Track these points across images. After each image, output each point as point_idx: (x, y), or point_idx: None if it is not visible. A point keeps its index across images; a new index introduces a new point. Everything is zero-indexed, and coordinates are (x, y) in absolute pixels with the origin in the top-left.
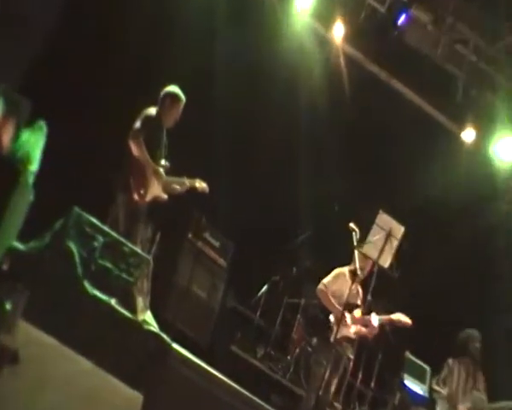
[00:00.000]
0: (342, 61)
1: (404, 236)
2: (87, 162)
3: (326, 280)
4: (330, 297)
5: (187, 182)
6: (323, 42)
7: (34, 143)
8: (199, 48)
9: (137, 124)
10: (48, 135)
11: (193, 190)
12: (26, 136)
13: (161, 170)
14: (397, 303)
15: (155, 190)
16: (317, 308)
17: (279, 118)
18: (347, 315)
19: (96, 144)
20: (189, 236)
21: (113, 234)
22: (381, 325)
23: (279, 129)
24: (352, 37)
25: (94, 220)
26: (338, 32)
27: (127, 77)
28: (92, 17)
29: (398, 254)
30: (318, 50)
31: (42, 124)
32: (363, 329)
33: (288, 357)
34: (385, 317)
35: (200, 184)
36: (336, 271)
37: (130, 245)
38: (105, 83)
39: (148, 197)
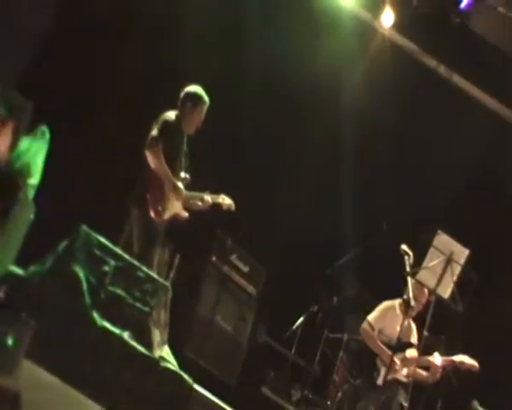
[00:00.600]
0: (391, 53)
1: (469, 260)
2: (97, 174)
3: (372, 316)
4: (376, 340)
5: (210, 198)
6: (370, 32)
7: (35, 151)
8: (225, 46)
9: (154, 131)
10: (51, 142)
11: (217, 206)
12: (26, 143)
13: (181, 184)
14: (461, 343)
15: (175, 207)
16: (361, 345)
17: (318, 126)
18: (397, 359)
19: (106, 153)
20: (213, 259)
21: (127, 257)
22: (442, 368)
23: (318, 139)
24: (404, 25)
25: (104, 241)
26: (387, 20)
27: (146, 78)
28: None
29: (462, 283)
30: (364, 42)
31: (44, 129)
32: (423, 372)
33: (328, 402)
34: (445, 358)
35: (226, 201)
36: (384, 304)
37: (145, 270)
38: (118, 84)
39: (167, 215)
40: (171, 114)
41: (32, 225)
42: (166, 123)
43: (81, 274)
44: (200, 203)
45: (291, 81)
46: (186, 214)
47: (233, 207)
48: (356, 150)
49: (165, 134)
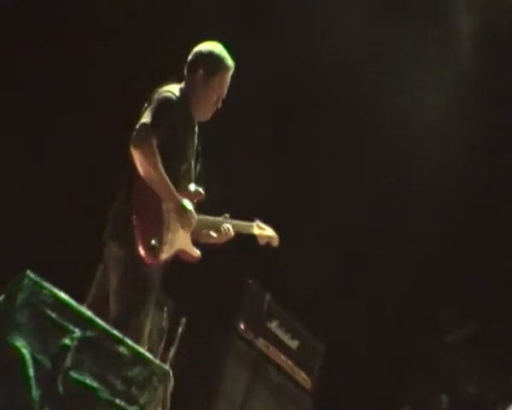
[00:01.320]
0: None
1: None
2: (51, 188)
3: None
4: None
5: (235, 226)
6: None
7: None
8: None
9: (146, 116)
10: None
11: (250, 238)
12: None
13: (189, 203)
14: None
15: (178, 241)
16: None
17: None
18: None
19: (66, 155)
20: (241, 327)
21: (100, 322)
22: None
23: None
24: None
25: (63, 296)
26: None
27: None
28: None
29: None
30: None
31: None
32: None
33: None
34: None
35: (265, 232)
36: None
37: (130, 343)
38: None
39: (166, 253)
40: (173, 89)
41: None
42: (166, 103)
43: (24, 351)
44: (218, 235)
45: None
46: (197, 253)
47: (276, 241)
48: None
49: (163, 121)
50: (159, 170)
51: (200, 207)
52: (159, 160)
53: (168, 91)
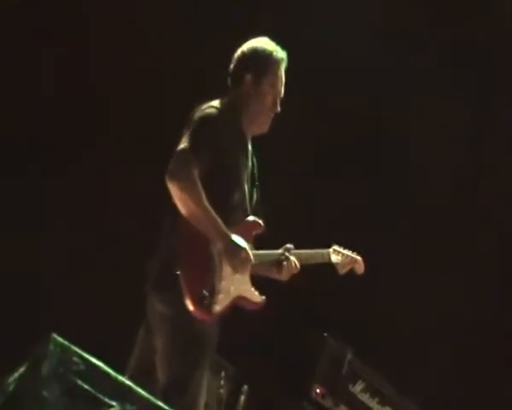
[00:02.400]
0: None
1: None
2: (78, 236)
3: None
4: None
5: (306, 256)
6: None
7: None
8: None
9: (184, 139)
10: None
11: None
12: None
13: (242, 240)
14: None
15: (235, 286)
16: None
17: None
18: None
19: (97, 194)
20: (317, 392)
21: (142, 392)
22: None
23: None
24: None
25: (96, 362)
26: None
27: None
28: None
29: None
30: None
31: None
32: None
33: None
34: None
35: (344, 258)
36: None
37: None
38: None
39: (220, 305)
40: (217, 104)
41: None
42: (208, 121)
43: None
44: (278, 272)
45: None
46: (260, 298)
47: (362, 267)
48: None
49: (205, 144)
50: (201, 204)
51: (259, 242)
52: (201, 192)
53: (211, 107)
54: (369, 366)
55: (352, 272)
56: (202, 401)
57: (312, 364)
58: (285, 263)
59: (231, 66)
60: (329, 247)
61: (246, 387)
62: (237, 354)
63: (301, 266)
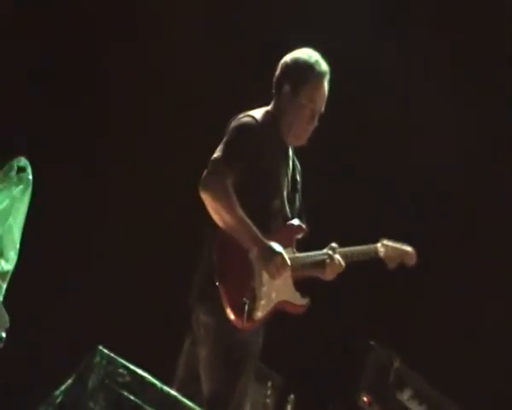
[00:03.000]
0: None
1: None
2: (119, 250)
3: None
4: None
5: (352, 254)
6: None
7: (8, 209)
8: None
9: (219, 149)
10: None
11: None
12: None
13: (278, 245)
14: None
15: (277, 291)
16: None
17: None
18: None
19: (135, 207)
20: (364, 400)
21: (188, 403)
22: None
23: None
24: None
25: (142, 373)
26: None
27: None
28: None
29: None
30: None
31: (23, 163)
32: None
33: None
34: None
35: (394, 251)
36: None
37: None
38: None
39: (263, 311)
40: (255, 113)
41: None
42: (244, 130)
43: None
44: (322, 272)
45: None
46: (304, 300)
47: (414, 258)
48: None
49: (241, 153)
50: (235, 213)
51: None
52: (234, 201)
53: (248, 116)
54: (417, 372)
55: (402, 265)
56: (246, 407)
57: (359, 372)
58: (328, 262)
59: (275, 74)
60: (377, 241)
61: (292, 396)
62: (283, 363)
63: (349, 264)
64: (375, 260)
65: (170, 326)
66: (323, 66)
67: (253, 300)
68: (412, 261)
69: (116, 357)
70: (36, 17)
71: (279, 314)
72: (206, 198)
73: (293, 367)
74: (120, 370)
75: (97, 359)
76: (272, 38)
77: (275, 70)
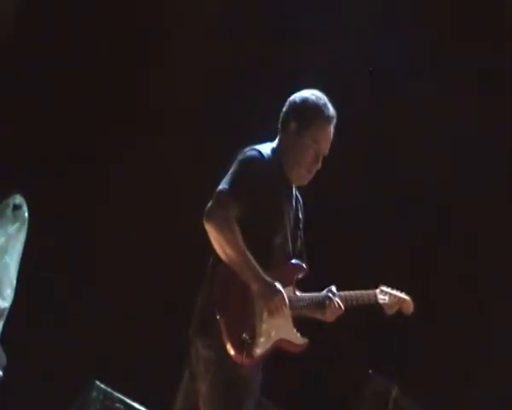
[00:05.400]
0: None
1: None
2: (118, 280)
3: None
4: None
5: (350, 298)
6: None
7: (4, 248)
8: None
9: (224, 181)
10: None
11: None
12: None
13: (279, 286)
14: None
15: (276, 328)
16: None
17: None
18: None
19: (131, 233)
20: None
21: None
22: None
23: None
24: None
25: (138, 406)
26: None
27: None
28: None
29: None
30: None
31: (20, 205)
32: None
33: None
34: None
35: (392, 298)
36: None
37: None
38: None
39: (262, 347)
40: (261, 147)
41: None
42: (249, 164)
43: None
44: (322, 313)
45: None
46: (302, 340)
47: (411, 306)
48: None
49: (245, 186)
50: (237, 247)
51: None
52: (237, 235)
53: (254, 150)
54: (416, 400)
55: (399, 313)
56: None
57: (358, 402)
58: (328, 304)
59: (283, 109)
60: (377, 287)
61: None
62: (283, 395)
63: (347, 307)
64: (373, 307)
65: (167, 359)
66: (331, 110)
67: (253, 336)
68: (410, 310)
69: (112, 392)
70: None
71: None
72: (210, 230)
73: (292, 399)
74: (117, 404)
75: (94, 394)
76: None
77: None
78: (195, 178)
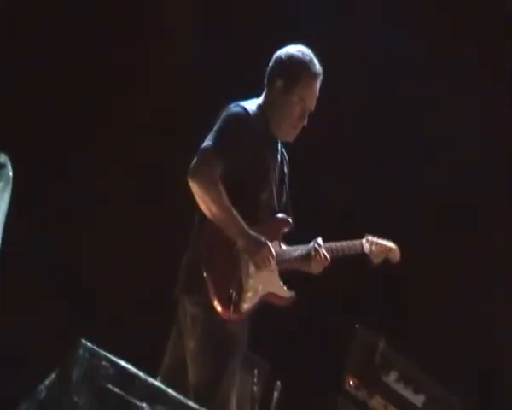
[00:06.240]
0: None
1: None
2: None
3: None
4: None
5: (336, 249)
6: None
7: None
8: None
9: (209, 138)
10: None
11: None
12: None
13: (264, 240)
14: None
15: (263, 283)
16: None
17: None
18: None
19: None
20: (350, 383)
21: (172, 393)
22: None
23: None
24: None
25: (126, 365)
26: None
27: None
28: None
29: None
30: None
31: (4, 164)
32: None
33: None
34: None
35: (378, 247)
36: None
37: None
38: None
39: (249, 302)
40: (246, 104)
41: None
42: (234, 120)
43: None
44: (308, 265)
45: None
46: (290, 293)
47: (397, 255)
48: None
49: (230, 143)
50: (221, 204)
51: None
52: (221, 192)
53: (238, 106)
54: (403, 353)
55: (386, 261)
56: (234, 400)
57: (345, 356)
58: (314, 255)
59: (269, 65)
60: (362, 237)
61: (279, 383)
62: (270, 350)
63: (333, 258)
64: (359, 256)
65: (155, 318)
66: (317, 66)
67: (240, 292)
68: (396, 258)
69: (99, 350)
70: None
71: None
72: (195, 187)
73: (279, 354)
74: (104, 362)
75: (80, 352)
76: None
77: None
78: None
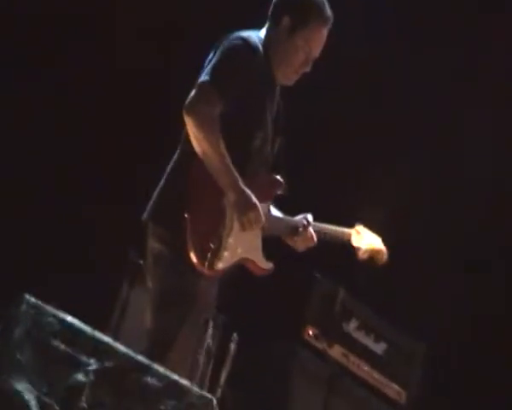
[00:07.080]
0: None
1: None
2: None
3: None
4: None
5: (324, 232)
6: None
7: None
8: None
9: (208, 71)
10: None
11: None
12: None
13: (256, 201)
14: None
15: (243, 246)
16: None
17: None
18: None
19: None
20: (309, 333)
21: (120, 347)
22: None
23: None
24: None
25: (71, 320)
26: None
27: None
28: None
29: None
30: None
31: None
32: None
33: None
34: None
35: (366, 243)
36: None
37: (161, 371)
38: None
39: (224, 262)
40: (249, 36)
41: None
42: (236, 54)
43: (28, 395)
44: (294, 240)
45: None
46: (269, 265)
47: (384, 257)
48: None
49: (231, 79)
50: (217, 147)
51: (279, 204)
52: (218, 134)
53: (241, 38)
54: (364, 302)
55: (371, 260)
56: (188, 355)
57: (304, 305)
58: (301, 230)
59: (273, 2)
60: (353, 226)
61: (235, 335)
62: (225, 301)
63: (319, 239)
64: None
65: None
66: (328, 11)
67: (218, 248)
68: (382, 260)
69: (44, 305)
70: None
71: None
72: (189, 123)
73: (235, 305)
74: (49, 318)
75: (24, 307)
76: None
77: None
78: None
